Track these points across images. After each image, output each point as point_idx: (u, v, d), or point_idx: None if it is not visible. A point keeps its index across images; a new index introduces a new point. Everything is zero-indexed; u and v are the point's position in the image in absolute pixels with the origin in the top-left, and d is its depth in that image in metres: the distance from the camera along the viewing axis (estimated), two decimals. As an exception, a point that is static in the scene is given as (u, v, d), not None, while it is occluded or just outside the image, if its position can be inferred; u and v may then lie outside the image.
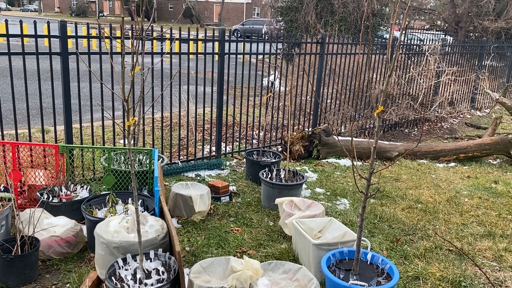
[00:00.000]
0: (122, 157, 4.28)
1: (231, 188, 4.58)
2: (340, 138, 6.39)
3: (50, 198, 3.59)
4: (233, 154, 5.80)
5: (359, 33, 11.09)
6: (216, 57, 5.21)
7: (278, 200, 3.80)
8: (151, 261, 2.63)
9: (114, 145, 4.82)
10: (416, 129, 8.24)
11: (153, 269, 2.55)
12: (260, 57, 5.84)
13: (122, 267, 2.55)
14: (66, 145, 3.91)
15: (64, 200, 3.61)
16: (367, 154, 5.97)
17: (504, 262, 3.44)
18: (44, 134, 4.31)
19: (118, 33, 5.37)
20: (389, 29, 2.52)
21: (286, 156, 4.98)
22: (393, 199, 4.62)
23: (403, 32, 2.32)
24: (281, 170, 4.48)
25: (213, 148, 5.73)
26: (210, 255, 3.26)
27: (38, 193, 3.59)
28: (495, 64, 10.70)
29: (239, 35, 23.91)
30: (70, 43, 8.75)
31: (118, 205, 3.44)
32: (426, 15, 21.69)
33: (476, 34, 17.64)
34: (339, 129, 7.14)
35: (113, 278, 2.46)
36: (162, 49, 4.79)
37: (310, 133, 5.88)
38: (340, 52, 6.70)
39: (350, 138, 4.35)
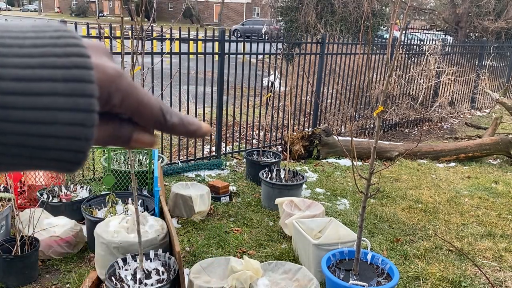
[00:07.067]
0: (122, 157, 4.27)
1: (231, 188, 4.58)
2: (340, 138, 6.38)
3: (50, 198, 3.59)
4: (233, 154, 5.80)
5: (359, 33, 11.09)
6: (216, 57, 5.21)
7: (278, 200, 3.79)
8: (151, 261, 2.62)
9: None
10: (416, 129, 8.24)
11: (153, 269, 2.54)
12: (260, 57, 5.83)
13: (122, 267, 2.54)
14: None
15: (64, 200, 3.61)
16: (367, 154, 5.97)
17: (504, 262, 3.43)
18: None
19: (118, 33, 5.37)
20: (389, 29, 2.52)
21: (286, 156, 4.98)
22: (393, 199, 4.62)
23: (403, 32, 2.32)
24: (281, 170, 4.48)
25: (213, 148, 5.73)
26: (210, 255, 3.25)
27: (38, 193, 3.59)
28: (495, 64, 10.70)
29: (239, 35, 23.92)
30: (70, 43, 8.72)
31: (118, 205, 3.43)
32: (426, 15, 21.71)
33: (476, 34, 17.65)
34: (339, 129, 7.14)
35: (113, 278, 2.45)
36: (162, 49, 4.79)
37: (310, 133, 5.88)
38: (340, 52, 6.69)
39: (350, 138, 4.35)
